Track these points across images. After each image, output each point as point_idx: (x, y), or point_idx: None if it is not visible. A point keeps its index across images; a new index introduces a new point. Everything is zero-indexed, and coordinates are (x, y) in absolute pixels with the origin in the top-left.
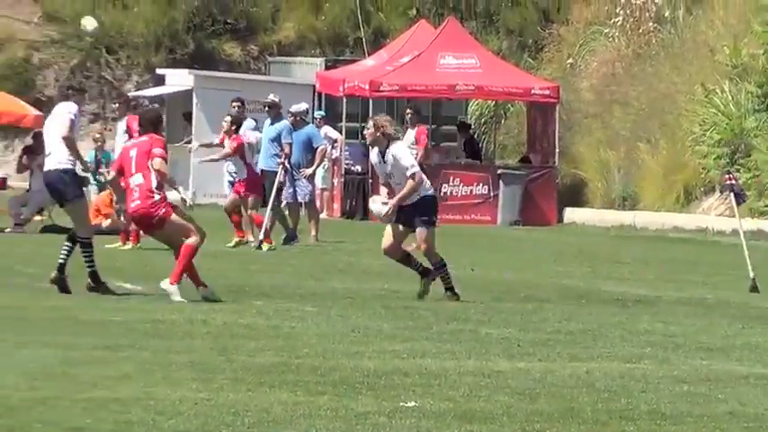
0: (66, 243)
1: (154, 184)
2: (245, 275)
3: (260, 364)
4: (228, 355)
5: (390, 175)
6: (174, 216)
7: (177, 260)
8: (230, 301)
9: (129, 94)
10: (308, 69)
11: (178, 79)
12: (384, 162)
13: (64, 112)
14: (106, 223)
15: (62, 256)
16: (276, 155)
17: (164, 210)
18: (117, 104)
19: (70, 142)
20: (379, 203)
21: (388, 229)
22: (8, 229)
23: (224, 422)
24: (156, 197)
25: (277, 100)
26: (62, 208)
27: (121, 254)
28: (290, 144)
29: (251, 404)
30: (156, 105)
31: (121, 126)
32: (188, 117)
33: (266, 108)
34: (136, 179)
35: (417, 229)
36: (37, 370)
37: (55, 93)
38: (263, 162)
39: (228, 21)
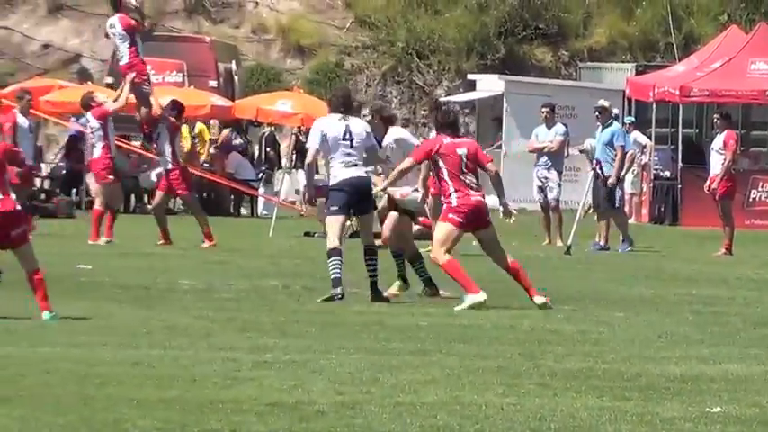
0: (370, 257)
1: None
2: (555, 280)
3: (566, 369)
4: (535, 360)
5: (388, 159)
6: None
7: (519, 281)
8: (536, 307)
9: (439, 100)
10: (619, 75)
11: (489, 84)
12: (382, 147)
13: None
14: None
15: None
16: (614, 159)
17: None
18: (428, 111)
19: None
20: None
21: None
22: (317, 234)
23: (529, 427)
24: None
25: (607, 105)
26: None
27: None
28: (623, 146)
29: (557, 409)
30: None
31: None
32: (498, 122)
33: (596, 113)
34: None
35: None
36: (345, 375)
37: (366, 98)
38: (605, 168)
39: (540, 26)
